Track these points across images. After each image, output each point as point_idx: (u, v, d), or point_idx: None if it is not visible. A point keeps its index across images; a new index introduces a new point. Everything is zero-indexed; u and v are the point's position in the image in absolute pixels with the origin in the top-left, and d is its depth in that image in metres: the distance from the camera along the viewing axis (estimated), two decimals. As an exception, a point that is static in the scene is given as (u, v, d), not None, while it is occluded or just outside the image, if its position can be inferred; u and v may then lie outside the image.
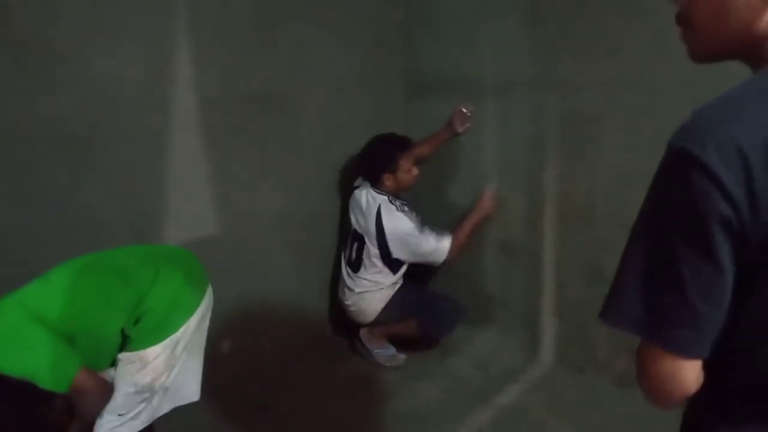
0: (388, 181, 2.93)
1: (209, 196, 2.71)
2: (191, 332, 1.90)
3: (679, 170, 0.73)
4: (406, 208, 2.95)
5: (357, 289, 3.00)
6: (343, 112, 3.10)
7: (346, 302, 3.05)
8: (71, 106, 2.25)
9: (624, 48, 2.40)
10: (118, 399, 1.74)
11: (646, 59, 2.33)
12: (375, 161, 2.94)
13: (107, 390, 1.74)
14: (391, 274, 2.98)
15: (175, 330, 1.84)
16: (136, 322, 1.80)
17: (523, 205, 2.90)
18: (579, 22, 2.53)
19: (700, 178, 0.71)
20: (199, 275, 2.04)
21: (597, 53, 2.49)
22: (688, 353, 0.77)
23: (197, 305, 1.95)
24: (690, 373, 0.78)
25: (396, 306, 2.99)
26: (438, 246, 2.87)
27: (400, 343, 3.03)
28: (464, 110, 3.00)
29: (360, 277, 2.99)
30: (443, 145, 3.12)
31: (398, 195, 3.00)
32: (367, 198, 2.96)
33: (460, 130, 3.03)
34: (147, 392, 1.78)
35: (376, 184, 2.97)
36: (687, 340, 0.76)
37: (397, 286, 3.03)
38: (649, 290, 0.77)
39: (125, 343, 1.81)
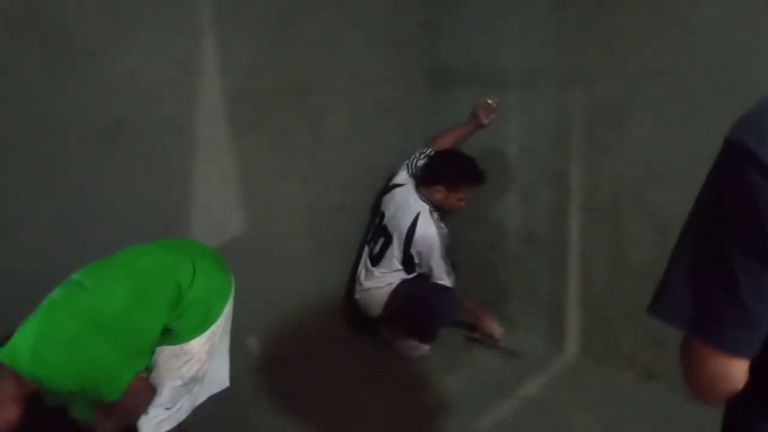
0: (438, 193, 2.91)
1: (234, 188, 2.73)
2: (225, 319, 1.97)
3: (736, 167, 0.71)
4: (442, 225, 2.94)
5: (366, 284, 3.02)
6: (367, 104, 3.10)
7: (356, 296, 3.08)
8: (99, 100, 2.28)
9: (651, 39, 2.36)
10: (165, 394, 1.78)
11: (674, 50, 2.30)
12: (443, 170, 2.90)
13: (152, 390, 1.77)
14: (404, 274, 2.99)
15: (216, 319, 1.91)
16: (179, 316, 1.83)
17: (548, 198, 2.88)
18: (605, 12, 2.50)
19: (758, 176, 0.69)
20: (222, 262, 2.10)
21: (623, 44, 2.46)
22: (739, 352, 0.76)
23: (230, 291, 2.02)
24: (739, 371, 0.78)
25: (396, 301, 2.97)
26: (445, 279, 2.90)
27: (418, 334, 3.03)
28: (489, 101, 2.98)
29: (374, 273, 3.00)
30: (468, 137, 3.10)
31: (437, 210, 2.98)
32: (407, 200, 2.94)
33: (485, 121, 3.01)
34: (192, 383, 1.83)
35: (421, 188, 2.94)
36: (739, 340, 0.75)
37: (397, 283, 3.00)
38: (701, 288, 0.76)
39: (165, 337, 1.83)
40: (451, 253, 2.92)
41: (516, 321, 3.12)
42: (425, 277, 2.95)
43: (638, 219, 2.50)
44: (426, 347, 3.03)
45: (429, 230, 2.86)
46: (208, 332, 1.87)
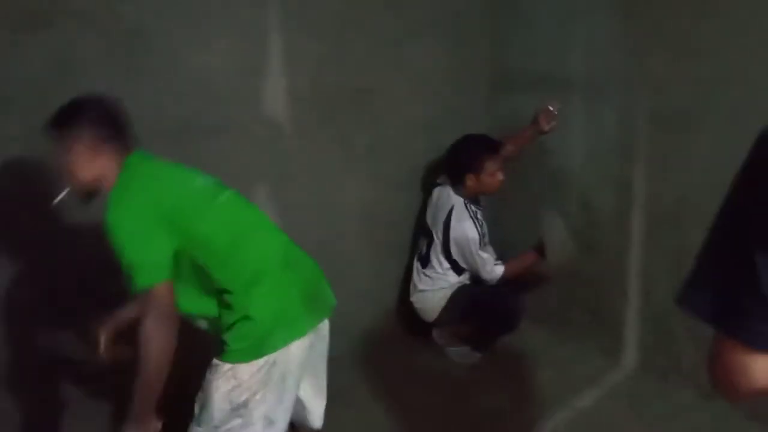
0: (470, 181, 2.91)
1: (295, 187, 2.78)
2: (294, 359, 1.71)
3: (758, 156, 0.72)
4: (479, 216, 2.93)
5: (420, 287, 3.02)
6: (428, 107, 3.11)
7: (411, 299, 3.07)
8: (168, 99, 2.36)
9: (721, 46, 2.30)
10: (214, 414, 1.65)
11: (746, 58, 2.22)
12: (460, 159, 2.92)
13: (172, 336, 1.57)
14: (455, 274, 2.97)
15: (273, 350, 1.67)
16: (230, 326, 1.67)
17: (611, 206, 2.83)
18: (675, 18, 2.44)
19: None
20: (320, 296, 1.87)
21: (693, 51, 2.40)
22: (760, 346, 0.75)
23: (308, 329, 1.75)
24: (760, 367, 0.76)
25: (455, 306, 2.95)
26: (492, 269, 2.88)
27: (475, 341, 3.02)
28: (551, 108, 2.94)
29: (426, 274, 3.00)
30: (529, 142, 3.07)
31: (477, 199, 2.98)
32: (443, 196, 2.97)
33: (546, 128, 2.97)
34: (242, 409, 1.65)
35: (457, 184, 2.95)
36: (761, 333, 0.74)
37: (456, 287, 2.99)
38: (725, 280, 0.76)
39: (217, 349, 1.71)
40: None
41: (574, 331, 3.07)
42: (485, 283, 2.93)
43: (702, 230, 2.42)
44: (478, 355, 3.01)
45: (463, 222, 2.87)
46: (260, 361, 1.64)
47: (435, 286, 2.98)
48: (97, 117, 1.69)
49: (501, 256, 2.94)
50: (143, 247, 1.57)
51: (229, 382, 1.65)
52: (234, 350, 1.66)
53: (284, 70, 2.64)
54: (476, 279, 3.00)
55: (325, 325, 1.89)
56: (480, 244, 2.86)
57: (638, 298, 2.77)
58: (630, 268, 2.77)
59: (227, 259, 1.68)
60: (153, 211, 1.60)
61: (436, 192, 3.03)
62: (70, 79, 2.13)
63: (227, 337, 1.67)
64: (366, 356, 3.00)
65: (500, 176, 2.92)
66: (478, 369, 2.94)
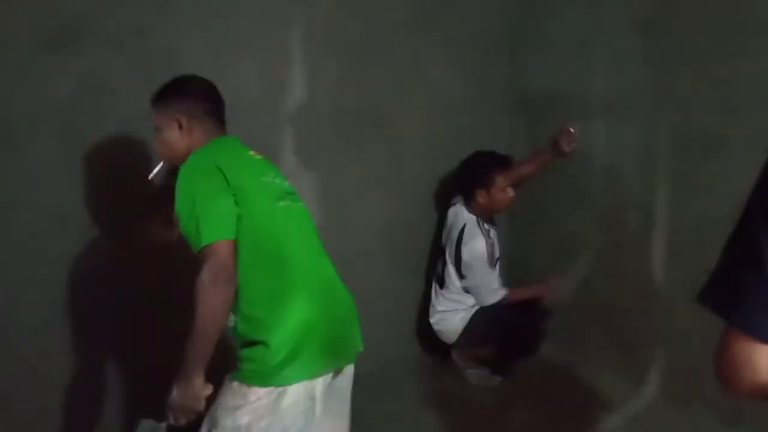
0: (481, 198, 2.91)
1: (314, 205, 2.80)
2: (306, 394, 1.65)
3: None
4: (491, 235, 2.93)
5: (439, 308, 3.00)
6: (448, 127, 3.12)
7: (431, 320, 3.05)
8: None
9: (746, 66, 2.28)
10: (218, 425, 1.62)
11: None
12: (471, 176, 2.93)
13: (228, 295, 1.55)
14: (470, 295, 2.96)
15: (284, 383, 1.61)
16: (247, 344, 1.63)
17: (632, 228, 2.81)
18: (698, 38, 2.44)
19: None
20: (346, 340, 1.79)
21: (717, 71, 2.39)
22: (762, 335, 0.75)
23: (322, 373, 1.69)
24: (763, 358, 0.76)
25: (475, 328, 2.94)
26: (495, 289, 2.88)
27: (495, 364, 2.99)
28: (572, 130, 2.94)
29: (444, 296, 2.99)
30: (547, 164, 3.07)
31: (492, 218, 2.97)
32: (456, 215, 2.97)
33: (566, 149, 2.96)
34: (243, 431, 1.60)
35: (470, 202, 2.95)
36: (763, 323, 0.74)
37: (474, 309, 2.97)
38: (733, 271, 0.78)
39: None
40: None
41: (595, 354, 3.03)
42: (507, 307, 2.92)
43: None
44: (498, 378, 2.99)
45: (474, 239, 2.87)
46: (269, 389, 1.60)
47: (453, 308, 2.97)
48: (194, 94, 1.79)
49: (508, 283, 2.95)
50: (210, 203, 1.58)
51: (235, 400, 1.61)
52: (244, 370, 1.62)
53: (306, 91, 2.68)
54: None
55: (349, 368, 1.81)
56: (488, 262, 2.85)
57: (660, 321, 2.73)
58: (652, 291, 2.74)
59: (264, 266, 1.65)
60: (224, 178, 1.61)
61: (451, 211, 3.03)
62: (97, 99, 2.20)
63: (241, 354, 1.64)
64: (384, 377, 2.99)
65: (511, 192, 2.92)
66: (498, 392, 2.91)
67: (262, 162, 1.81)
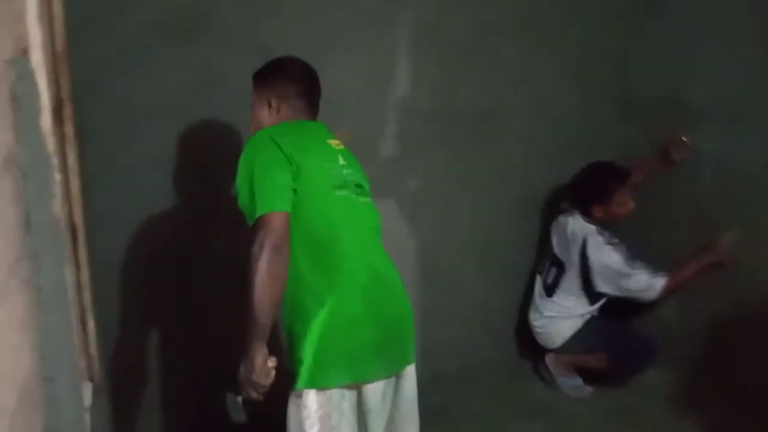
0: (598, 212, 2.83)
1: (410, 202, 2.84)
2: (367, 399, 1.65)
3: None
4: (615, 241, 2.82)
5: (547, 313, 2.94)
6: (550, 130, 3.07)
7: (535, 323, 3.00)
8: None
9: None
10: None
11: None
12: (588, 190, 2.85)
13: (282, 265, 1.54)
14: (587, 304, 2.88)
15: (329, 385, 1.60)
16: (293, 343, 1.64)
17: (746, 247, 2.64)
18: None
19: None
20: (396, 344, 1.73)
21: None
22: None
23: (372, 377, 1.66)
24: None
25: (585, 336, 2.87)
26: (650, 283, 2.73)
27: (588, 374, 2.91)
28: (683, 138, 2.82)
29: (552, 302, 2.93)
30: (657, 173, 2.95)
31: (608, 226, 2.88)
32: (573, 226, 2.88)
33: (677, 158, 2.85)
34: None
35: (587, 212, 2.87)
36: None
37: (587, 316, 2.91)
38: None
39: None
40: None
41: (710, 387, 2.84)
42: (624, 321, 2.83)
43: None
44: (590, 389, 2.90)
45: (602, 249, 2.77)
46: (327, 393, 1.60)
47: (563, 314, 2.91)
48: (289, 76, 1.84)
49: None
50: (267, 174, 1.58)
51: (300, 411, 1.61)
52: (299, 373, 1.61)
53: (407, 90, 2.73)
54: (611, 309, 2.91)
55: (408, 371, 1.76)
56: (628, 266, 2.74)
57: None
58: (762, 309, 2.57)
59: (312, 251, 1.63)
60: (288, 156, 1.62)
61: (564, 220, 2.93)
62: (212, 89, 2.34)
63: (291, 355, 1.64)
64: (471, 377, 2.98)
65: (631, 204, 2.83)
66: (588, 404, 2.82)
67: (339, 151, 1.78)
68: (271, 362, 1.56)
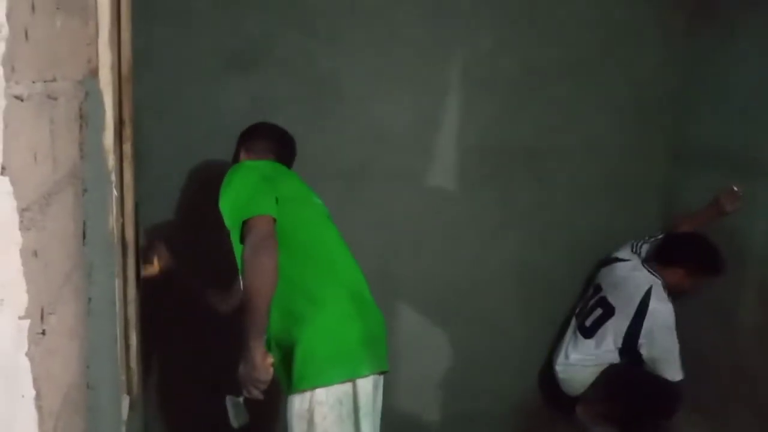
0: (675, 275, 2.74)
1: (451, 238, 2.84)
2: (361, 396, 1.72)
3: None
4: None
5: (572, 358, 2.85)
6: (599, 174, 3.01)
7: (557, 367, 2.91)
8: (347, 142, 2.59)
9: None
10: None
11: None
12: (688, 252, 2.75)
13: (272, 264, 1.63)
14: (617, 356, 2.77)
15: (330, 381, 1.69)
16: (286, 355, 1.72)
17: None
18: None
19: None
20: (379, 347, 1.84)
21: None
22: None
23: (366, 371, 1.74)
24: None
25: (607, 383, 2.78)
26: (679, 365, 2.65)
27: (626, 424, 2.81)
28: (735, 189, 2.76)
29: (585, 346, 2.84)
30: (709, 224, 2.88)
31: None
32: (634, 272, 2.78)
33: (729, 209, 2.78)
34: None
35: (658, 265, 2.78)
36: None
37: (608, 364, 2.80)
38: None
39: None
40: None
41: (720, 415, 2.75)
42: (643, 364, 2.75)
43: None
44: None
45: (665, 305, 2.67)
46: (329, 398, 1.68)
47: (588, 362, 2.82)
48: (262, 134, 2.04)
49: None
50: (253, 187, 1.72)
51: (302, 410, 1.68)
52: (299, 374, 1.68)
53: (457, 125, 2.75)
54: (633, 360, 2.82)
55: (380, 381, 1.83)
56: (676, 333, 2.65)
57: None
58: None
59: (311, 267, 1.78)
60: (268, 174, 1.80)
61: (621, 267, 2.84)
62: (266, 114, 2.39)
63: (288, 358, 1.71)
64: (504, 419, 2.93)
65: (697, 291, 2.78)
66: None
67: (310, 189, 1.97)
68: (270, 358, 1.68)
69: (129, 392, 1.64)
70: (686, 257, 2.74)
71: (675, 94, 3.09)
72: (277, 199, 1.73)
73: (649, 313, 2.68)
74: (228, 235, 1.77)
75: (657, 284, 2.72)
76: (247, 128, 2.06)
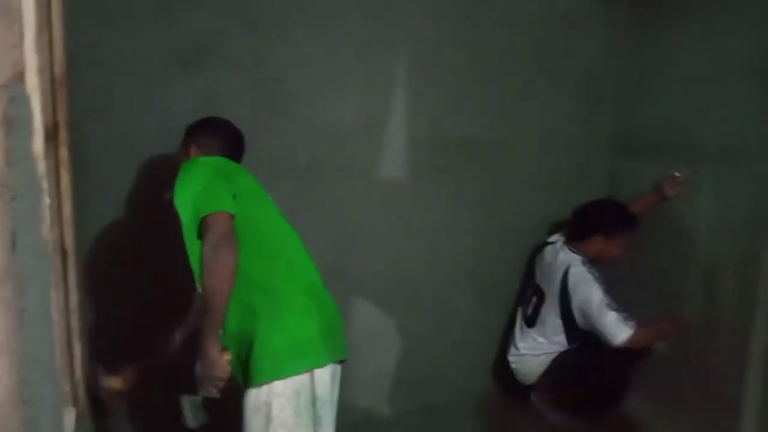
0: (595, 244, 2.82)
1: (404, 230, 2.85)
2: (319, 386, 1.75)
3: None
4: (596, 274, 2.79)
5: (521, 348, 2.91)
6: (546, 165, 3.07)
7: (509, 358, 2.97)
8: (296, 139, 2.57)
9: None
10: None
11: None
12: (596, 219, 2.83)
13: (232, 261, 1.63)
14: (565, 340, 2.84)
15: (289, 373, 1.70)
16: (247, 356, 1.72)
17: (734, 284, 2.64)
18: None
19: None
20: (338, 338, 1.87)
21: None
22: None
23: (326, 361, 1.77)
24: None
25: (557, 371, 2.83)
26: (618, 331, 2.62)
27: (577, 410, 2.87)
28: (676, 174, 2.83)
29: (531, 335, 2.90)
30: (652, 209, 2.95)
31: (593, 265, 2.84)
32: (558, 254, 2.87)
33: (670, 194, 2.86)
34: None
35: (577, 243, 2.85)
36: None
37: (558, 352, 2.86)
38: None
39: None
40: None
41: (686, 409, 2.84)
42: (592, 350, 2.80)
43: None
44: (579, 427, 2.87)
45: (583, 280, 2.74)
46: (287, 390, 1.69)
47: (538, 351, 2.88)
48: (215, 130, 1.99)
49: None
50: (210, 184, 1.71)
51: (261, 403, 1.69)
52: (258, 367, 1.69)
53: (407, 120, 2.76)
54: (585, 341, 2.87)
55: (338, 371, 1.86)
56: (605, 305, 2.68)
57: (759, 383, 2.54)
58: (751, 350, 2.55)
59: (268, 260, 1.79)
60: (222, 169, 1.79)
61: (549, 250, 2.93)
62: (213, 114, 2.35)
63: (245, 353, 1.72)
64: (462, 410, 2.96)
65: (623, 253, 2.84)
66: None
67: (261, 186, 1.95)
68: (227, 355, 1.69)
69: (75, 404, 1.59)
70: (598, 224, 2.83)
71: (618, 84, 3.16)
72: (234, 196, 1.73)
73: (570, 292, 2.76)
74: (180, 233, 1.74)
75: (575, 261, 2.79)
76: (196, 123, 2.02)
